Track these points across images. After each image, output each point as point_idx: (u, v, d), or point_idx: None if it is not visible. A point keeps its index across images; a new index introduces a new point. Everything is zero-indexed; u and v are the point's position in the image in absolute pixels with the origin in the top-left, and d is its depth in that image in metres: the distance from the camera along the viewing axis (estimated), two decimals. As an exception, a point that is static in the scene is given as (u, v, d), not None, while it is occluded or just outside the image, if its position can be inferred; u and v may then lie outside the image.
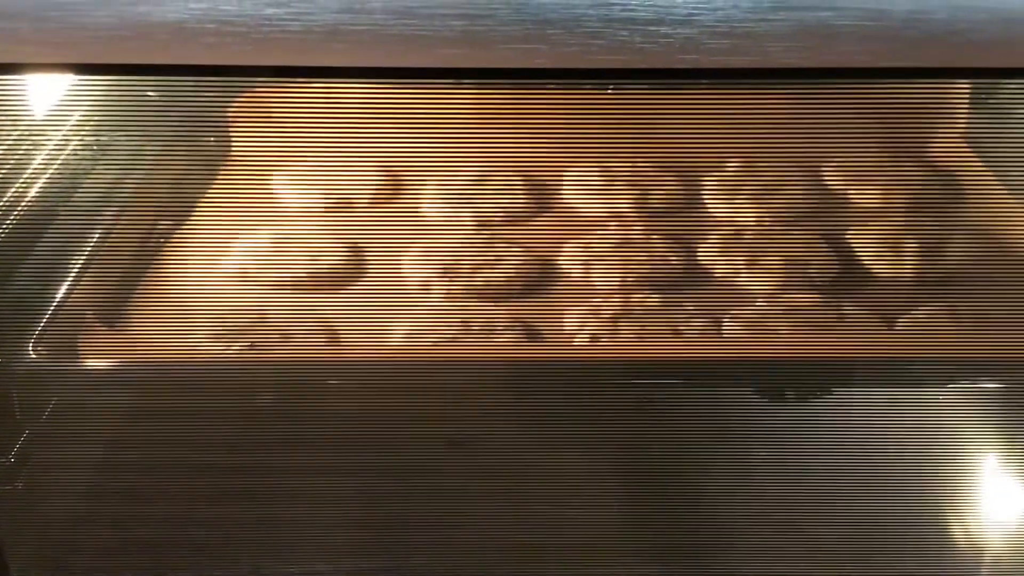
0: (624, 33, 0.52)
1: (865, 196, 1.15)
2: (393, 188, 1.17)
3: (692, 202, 1.15)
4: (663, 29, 0.52)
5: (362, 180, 1.15)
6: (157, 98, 0.83)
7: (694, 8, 0.52)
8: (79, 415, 0.92)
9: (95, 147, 1.04)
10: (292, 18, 0.52)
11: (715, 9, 0.52)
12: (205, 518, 0.93)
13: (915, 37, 0.53)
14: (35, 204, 0.96)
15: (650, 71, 0.54)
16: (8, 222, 0.92)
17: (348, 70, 0.54)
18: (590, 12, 0.52)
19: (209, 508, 0.93)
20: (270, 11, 0.51)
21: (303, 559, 0.92)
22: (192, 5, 0.51)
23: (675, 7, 0.52)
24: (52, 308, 0.95)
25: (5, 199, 0.93)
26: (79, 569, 0.92)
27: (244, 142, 1.16)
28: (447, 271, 1.04)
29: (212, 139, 1.15)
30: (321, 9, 0.52)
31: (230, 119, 1.15)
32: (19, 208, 0.94)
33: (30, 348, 0.90)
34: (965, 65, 0.54)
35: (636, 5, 0.52)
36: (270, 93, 1.11)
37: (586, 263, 1.06)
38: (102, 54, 0.53)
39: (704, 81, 0.61)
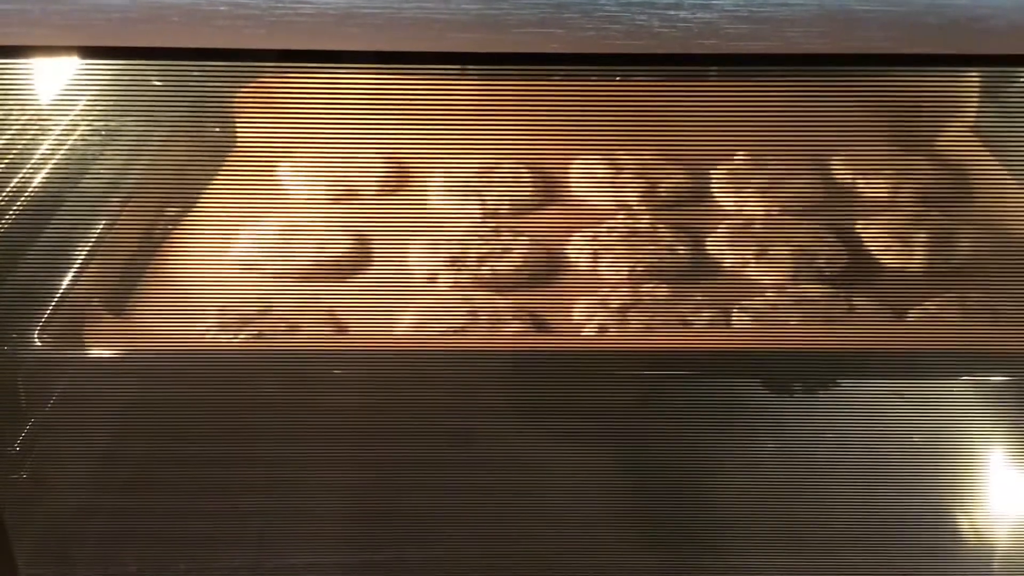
0: (642, 17, 0.51)
1: (874, 188, 1.14)
2: (399, 179, 1.17)
3: (700, 193, 1.15)
4: (682, 13, 0.51)
5: (368, 171, 1.15)
6: (162, 86, 0.83)
7: (713, -9, 0.51)
8: (84, 404, 0.92)
9: (101, 135, 1.04)
10: (306, 1, 0.51)
11: (734, -7, 0.52)
12: (209, 509, 0.92)
13: (937, 23, 0.52)
14: (41, 191, 0.96)
15: (667, 56, 0.53)
16: (14, 209, 0.92)
17: (362, 54, 0.54)
18: (607, -5, 0.52)
19: (213, 499, 0.93)
20: (283, -7, 0.51)
21: (306, 550, 0.92)
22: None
23: (694, -9, 0.51)
24: (58, 296, 0.94)
25: (11, 186, 0.93)
26: (84, 558, 0.92)
27: (249, 132, 1.16)
28: (454, 261, 1.04)
29: (218, 128, 1.15)
30: (334, -9, 0.52)
31: (236, 109, 1.15)
32: (25, 195, 0.94)
33: (36, 336, 0.90)
34: (986, 52, 0.53)
35: (654, -12, 0.52)
36: (276, 83, 1.11)
37: (593, 254, 1.06)
38: (112, 36, 0.52)
39: (717, 68, 0.60)
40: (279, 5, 0.52)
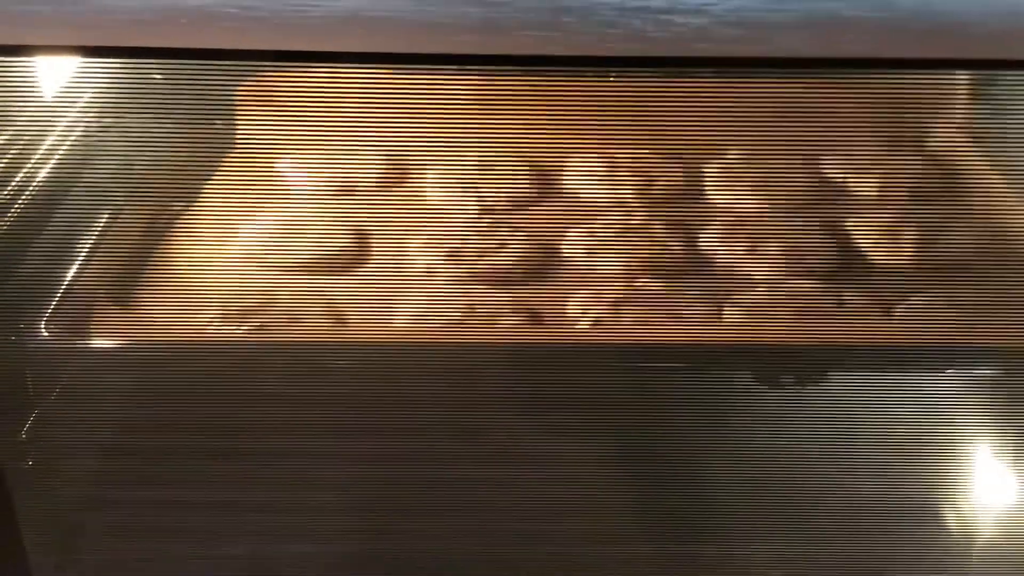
0: (637, 22, 0.53)
1: (864, 186, 1.16)
2: (398, 174, 1.18)
3: (693, 190, 1.16)
4: (676, 18, 0.53)
5: (367, 166, 1.16)
6: (164, 81, 0.84)
7: (707, -2, 0.53)
8: (89, 393, 0.93)
9: (104, 130, 1.05)
10: (313, 4, 0.53)
11: (727, -1, 0.53)
12: (210, 499, 0.93)
13: (921, 29, 0.54)
14: (45, 185, 0.97)
15: (662, 59, 0.55)
16: (20, 202, 0.93)
17: (367, 55, 0.55)
18: (604, 1, 0.54)
19: (214, 489, 0.93)
20: (292, -3, 0.53)
21: (303, 541, 0.93)
22: (215, -9, 0.52)
23: (688, -4, 0.53)
24: (64, 288, 0.96)
25: (17, 180, 0.94)
26: (89, 545, 0.93)
27: (250, 127, 1.17)
28: (452, 256, 1.05)
29: (219, 123, 1.16)
30: (342, -5, 0.53)
31: (237, 104, 1.16)
32: (31, 189, 0.95)
33: (42, 327, 0.91)
34: (969, 57, 0.55)
35: (650, -6, 0.53)
36: (276, 78, 1.11)
37: (589, 249, 1.07)
38: (124, 37, 0.54)
39: (710, 70, 0.62)
40: (287, 7, 0.53)
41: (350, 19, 0.54)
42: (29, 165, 0.97)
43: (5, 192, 0.92)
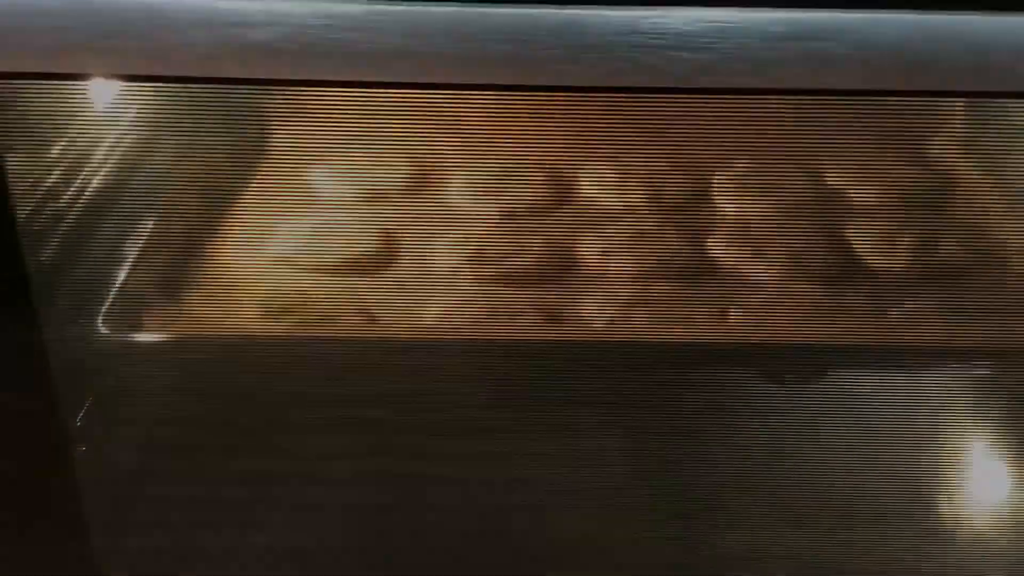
0: (650, 58, 0.59)
1: (863, 194, 1.19)
2: (424, 181, 1.22)
3: (702, 198, 1.20)
4: (684, 55, 0.59)
5: (397, 174, 1.20)
6: (203, 97, 0.89)
7: (712, 37, 0.59)
8: (140, 384, 0.98)
9: (152, 142, 1.10)
10: (364, 41, 0.60)
11: (729, 38, 0.60)
12: (241, 495, 0.96)
13: (904, 65, 0.60)
14: (101, 192, 1.02)
15: (672, 89, 0.61)
16: (79, 207, 0.99)
17: (410, 84, 0.62)
18: (620, 39, 0.60)
19: (243, 485, 0.97)
20: (346, 35, 0.59)
21: (321, 535, 0.95)
22: (278, 29, 0.59)
23: (695, 36, 0.60)
24: (118, 286, 1.01)
25: (74, 188, 1.00)
26: (135, 527, 0.97)
27: (284, 138, 1.22)
28: (475, 259, 1.09)
29: (255, 133, 1.21)
30: (389, 33, 0.60)
31: (271, 117, 1.21)
32: (87, 195, 1.01)
33: (99, 321, 0.97)
34: (948, 88, 0.61)
35: (661, 33, 0.60)
36: (309, 93, 1.16)
37: (603, 253, 1.11)
38: (199, 69, 0.61)
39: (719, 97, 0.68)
40: (341, 43, 0.60)
41: (396, 53, 0.60)
42: (84, 175, 1.03)
43: (64, 199, 0.99)
